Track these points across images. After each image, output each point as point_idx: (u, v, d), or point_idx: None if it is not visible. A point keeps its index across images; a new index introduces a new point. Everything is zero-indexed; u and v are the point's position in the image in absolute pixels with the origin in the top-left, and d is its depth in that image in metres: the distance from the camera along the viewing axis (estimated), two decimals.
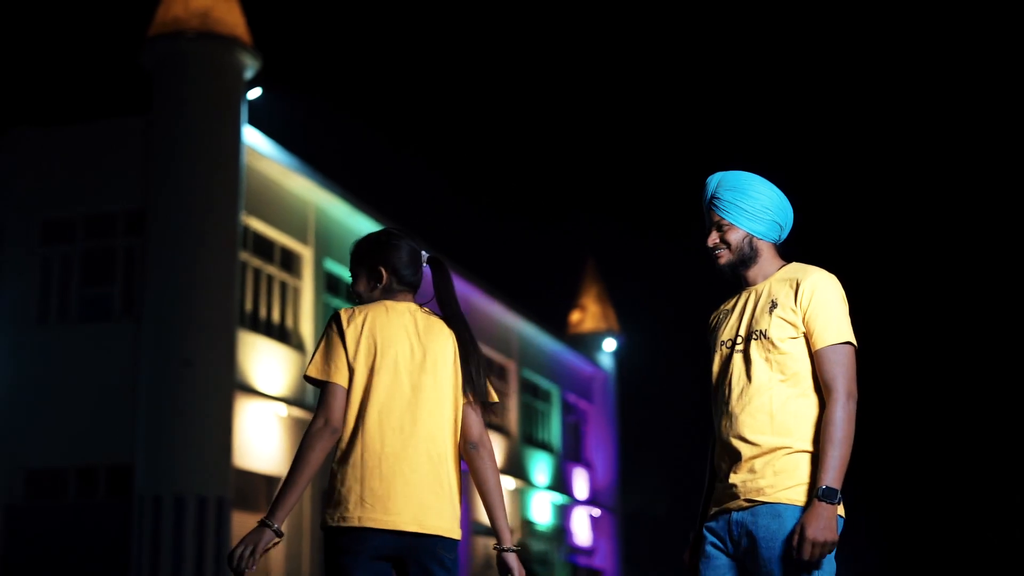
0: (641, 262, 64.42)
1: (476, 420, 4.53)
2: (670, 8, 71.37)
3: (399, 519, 4.26)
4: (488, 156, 71.58)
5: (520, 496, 34.86)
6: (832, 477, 4.05)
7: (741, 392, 4.30)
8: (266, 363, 23.11)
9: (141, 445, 20.73)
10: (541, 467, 36.70)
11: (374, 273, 4.57)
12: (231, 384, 21.37)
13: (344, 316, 4.42)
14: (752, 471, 4.21)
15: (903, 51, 70.00)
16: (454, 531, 4.36)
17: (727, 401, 4.34)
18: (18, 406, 21.91)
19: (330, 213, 25.76)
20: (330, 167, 32.97)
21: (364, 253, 4.61)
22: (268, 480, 23.18)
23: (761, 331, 4.30)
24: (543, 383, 38.23)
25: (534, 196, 72.65)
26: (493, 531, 4.57)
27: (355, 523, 4.22)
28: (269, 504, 22.45)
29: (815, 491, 4.07)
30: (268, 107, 23.92)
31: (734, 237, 4.44)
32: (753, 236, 4.43)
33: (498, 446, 33.30)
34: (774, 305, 4.31)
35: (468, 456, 4.54)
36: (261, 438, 22.70)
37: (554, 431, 38.80)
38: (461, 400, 4.50)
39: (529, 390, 37.02)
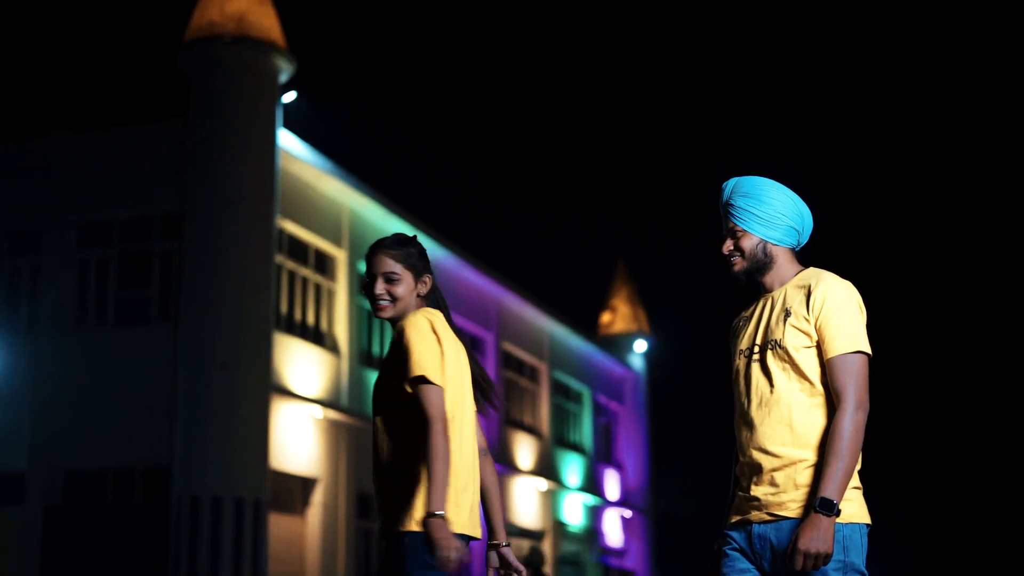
0: (672, 263, 64.35)
1: (480, 427, 4.65)
2: (707, 10, 71.31)
3: (479, 528, 4.47)
4: (520, 158, 71.71)
5: (552, 497, 34.88)
6: (832, 488, 3.99)
7: (760, 403, 4.26)
8: (301, 365, 23.22)
9: (178, 447, 20.86)
10: (573, 468, 36.73)
11: (421, 280, 4.58)
12: (267, 386, 21.47)
13: (434, 320, 4.43)
14: (774, 484, 4.17)
15: (930, 57, 69.73)
16: None
17: (746, 412, 4.30)
18: (56, 408, 22.09)
19: (363, 215, 25.85)
20: (363, 169, 33.09)
21: (418, 258, 4.58)
22: (303, 481, 23.29)
23: (776, 340, 4.25)
24: (574, 384, 38.26)
25: (564, 197, 72.73)
26: (490, 529, 4.70)
27: (458, 530, 4.31)
28: (306, 505, 22.51)
29: (813, 500, 4.02)
30: (302, 110, 24.01)
31: (747, 244, 4.39)
32: (767, 242, 4.37)
33: (530, 447, 33.35)
34: (788, 313, 4.25)
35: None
36: (296, 440, 22.81)
37: (585, 432, 38.82)
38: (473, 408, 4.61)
39: (560, 391, 37.04)
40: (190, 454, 20.73)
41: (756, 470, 4.23)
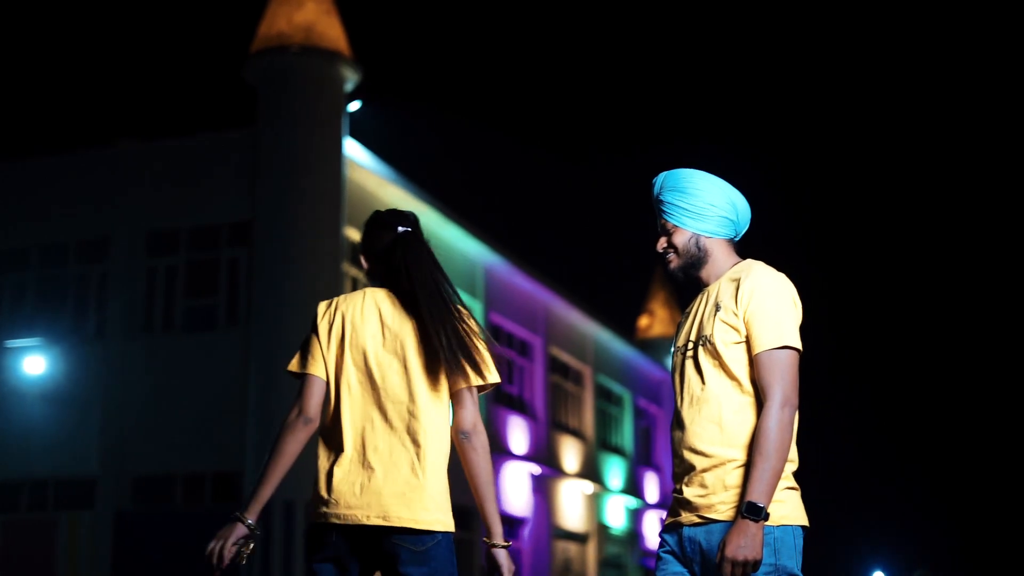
0: None
1: (467, 407, 4.27)
2: (755, 23, 71.47)
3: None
4: (571, 169, 72.43)
5: (596, 500, 35.07)
6: (759, 491, 3.80)
7: (691, 401, 4.08)
8: None
9: (250, 452, 21.06)
10: (615, 471, 36.90)
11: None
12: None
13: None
14: (703, 485, 3.99)
15: (915, 54, 69.83)
16: None
17: (679, 410, 4.13)
18: (126, 414, 22.35)
19: (422, 222, 25.94)
20: (420, 176, 33.33)
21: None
22: None
23: (707, 336, 4.06)
24: (616, 388, 38.43)
25: (603, 200, 73.41)
26: (484, 525, 4.29)
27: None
28: None
29: (740, 505, 3.84)
30: (366, 119, 24.22)
31: (680, 239, 4.22)
32: (700, 235, 4.20)
33: (575, 451, 33.52)
34: (717, 308, 4.06)
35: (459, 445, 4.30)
36: None
37: (627, 435, 39.00)
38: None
39: (603, 395, 37.21)
40: (261, 459, 20.92)
41: (687, 471, 4.06)
